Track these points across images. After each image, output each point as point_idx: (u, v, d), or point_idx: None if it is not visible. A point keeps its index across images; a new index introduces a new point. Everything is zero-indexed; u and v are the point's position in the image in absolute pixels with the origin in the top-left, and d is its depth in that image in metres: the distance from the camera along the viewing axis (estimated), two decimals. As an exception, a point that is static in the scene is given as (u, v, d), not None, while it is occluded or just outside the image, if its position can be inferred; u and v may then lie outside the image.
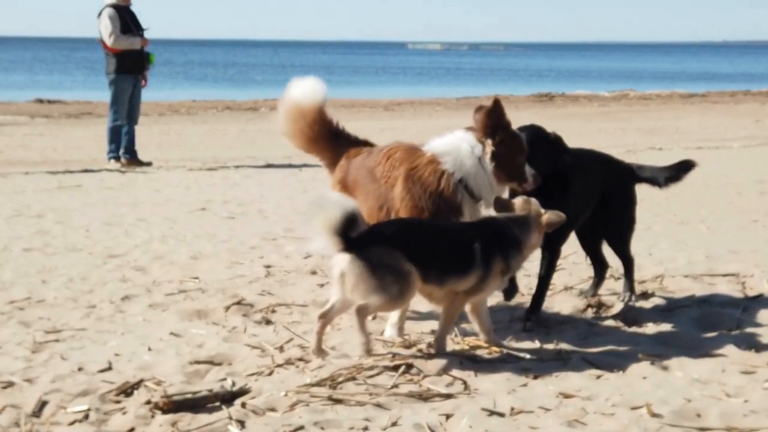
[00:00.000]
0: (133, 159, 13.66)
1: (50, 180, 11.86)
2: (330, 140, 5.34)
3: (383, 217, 4.97)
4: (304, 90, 5.29)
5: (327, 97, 5.34)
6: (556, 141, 5.20)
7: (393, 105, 29.04)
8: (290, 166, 13.72)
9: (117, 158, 13.67)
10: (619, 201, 5.66)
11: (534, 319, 5.27)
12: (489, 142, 4.87)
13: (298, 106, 5.27)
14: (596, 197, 5.54)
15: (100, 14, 13.60)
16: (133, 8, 13.86)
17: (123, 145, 13.68)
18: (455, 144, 4.91)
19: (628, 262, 5.81)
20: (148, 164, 13.68)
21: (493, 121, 4.85)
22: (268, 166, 13.77)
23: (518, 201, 4.80)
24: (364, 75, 59.68)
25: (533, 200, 4.80)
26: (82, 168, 13.31)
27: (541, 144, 5.10)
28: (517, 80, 54.82)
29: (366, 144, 5.39)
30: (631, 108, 29.49)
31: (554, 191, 5.06)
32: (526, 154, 4.96)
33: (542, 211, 4.75)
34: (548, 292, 6.01)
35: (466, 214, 4.87)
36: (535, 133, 5.15)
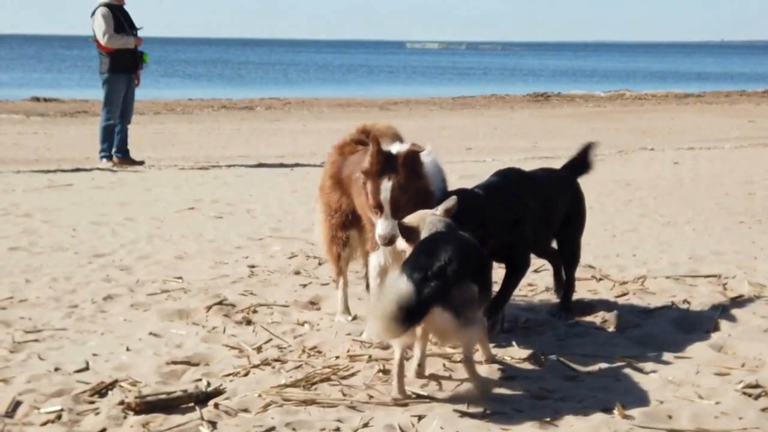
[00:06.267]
0: (125, 158, 13.66)
1: (41, 179, 11.85)
2: None
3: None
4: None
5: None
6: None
7: (389, 104, 29.04)
8: (282, 165, 13.75)
9: (109, 157, 13.68)
10: (576, 207, 5.54)
11: (496, 320, 5.15)
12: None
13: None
14: (561, 213, 5.38)
15: (93, 13, 13.61)
16: (127, 7, 13.89)
17: (115, 144, 13.69)
18: None
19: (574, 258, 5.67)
20: (141, 163, 13.68)
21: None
22: (260, 165, 13.77)
23: (413, 220, 4.38)
24: (361, 74, 59.64)
25: (421, 212, 4.42)
26: (74, 167, 13.30)
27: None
28: (514, 80, 54.81)
29: (359, 143, 5.44)
30: (626, 108, 29.51)
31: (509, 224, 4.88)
32: (373, 193, 4.54)
33: (436, 209, 4.41)
34: (530, 293, 6.05)
35: None
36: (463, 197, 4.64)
